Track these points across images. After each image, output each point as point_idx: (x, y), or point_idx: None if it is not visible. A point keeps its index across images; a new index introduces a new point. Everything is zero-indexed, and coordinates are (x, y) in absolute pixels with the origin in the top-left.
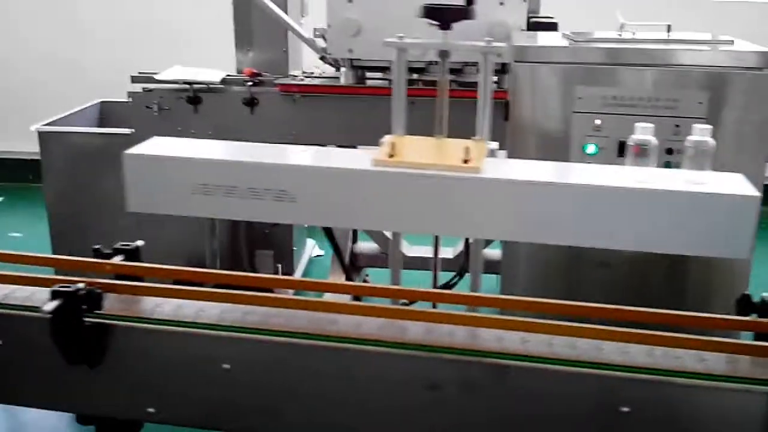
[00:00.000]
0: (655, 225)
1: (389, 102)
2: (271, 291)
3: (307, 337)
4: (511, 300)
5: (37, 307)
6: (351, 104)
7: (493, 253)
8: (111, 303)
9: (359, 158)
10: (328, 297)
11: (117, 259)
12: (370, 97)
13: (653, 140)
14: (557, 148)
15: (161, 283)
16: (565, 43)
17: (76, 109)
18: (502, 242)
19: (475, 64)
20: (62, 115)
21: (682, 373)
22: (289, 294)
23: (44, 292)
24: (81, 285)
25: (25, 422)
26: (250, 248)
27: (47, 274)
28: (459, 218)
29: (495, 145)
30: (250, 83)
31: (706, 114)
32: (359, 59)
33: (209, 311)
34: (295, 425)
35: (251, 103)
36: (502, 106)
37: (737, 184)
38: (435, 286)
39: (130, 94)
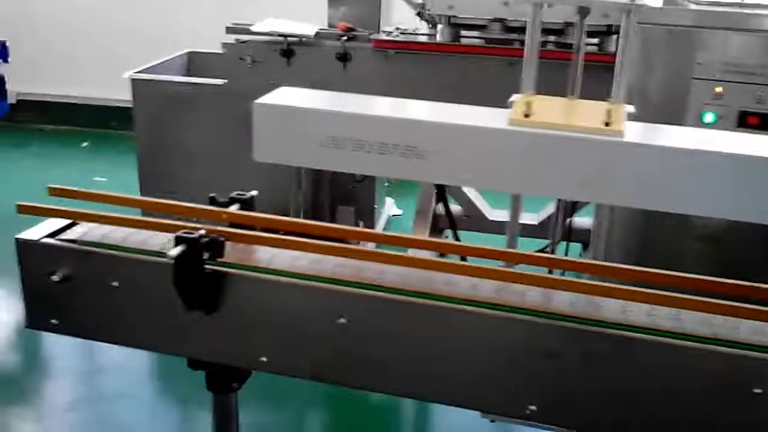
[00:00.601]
0: None
1: (485, 61)
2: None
3: (425, 297)
4: (618, 268)
5: (160, 252)
6: (446, 62)
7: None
8: (228, 252)
9: (492, 116)
10: (427, 255)
11: (233, 208)
12: (466, 56)
13: None
14: (671, 116)
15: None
16: (686, 5)
17: (164, 59)
18: (597, 209)
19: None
20: (151, 64)
21: None
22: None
23: (159, 236)
24: (202, 232)
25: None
26: (332, 203)
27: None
28: (599, 183)
29: (631, 108)
30: (345, 38)
31: None
32: (457, 16)
33: (323, 264)
34: (404, 384)
35: (344, 58)
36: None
37: None
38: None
39: (224, 44)
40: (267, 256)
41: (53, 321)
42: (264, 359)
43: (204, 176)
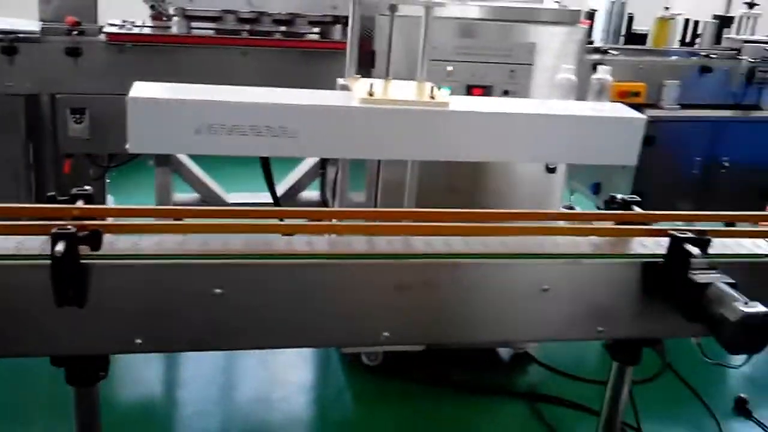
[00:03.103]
0: (575, 142)
1: (220, 51)
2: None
3: (285, 258)
4: (402, 212)
5: (33, 255)
6: (182, 53)
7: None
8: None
9: (342, 97)
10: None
11: (80, 203)
12: (202, 46)
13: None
14: None
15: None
16: None
17: None
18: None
19: (303, 16)
20: None
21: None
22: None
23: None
24: (72, 228)
25: None
26: None
27: None
28: (432, 144)
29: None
30: (75, 32)
31: (533, 61)
32: (194, 9)
33: (189, 243)
34: (279, 337)
35: (75, 53)
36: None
37: (625, 111)
38: None
39: None
40: (131, 242)
41: None
42: (139, 341)
43: None
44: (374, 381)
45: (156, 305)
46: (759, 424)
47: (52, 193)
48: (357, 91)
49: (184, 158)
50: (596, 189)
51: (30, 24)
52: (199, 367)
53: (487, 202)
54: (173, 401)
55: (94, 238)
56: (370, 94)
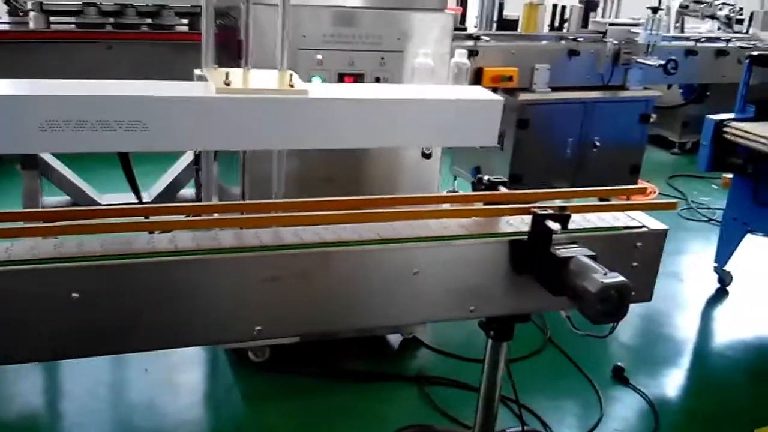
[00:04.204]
0: (436, 125)
1: (84, 46)
2: None
3: (138, 257)
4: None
5: None
6: (43, 50)
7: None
8: None
9: (198, 88)
10: None
11: None
12: (65, 42)
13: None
14: None
15: None
16: None
17: None
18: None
19: (170, 8)
20: None
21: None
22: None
23: None
24: None
25: None
26: None
27: None
28: (292, 133)
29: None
30: None
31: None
32: (51, 3)
33: (42, 246)
34: (152, 339)
35: None
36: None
37: (484, 93)
38: None
39: None
40: None
41: None
42: None
43: None
44: (263, 377)
45: (11, 314)
46: (636, 390)
47: None
48: (213, 80)
49: (52, 160)
50: (477, 172)
51: None
52: (80, 376)
53: (367, 191)
54: (54, 413)
55: None
56: (227, 84)
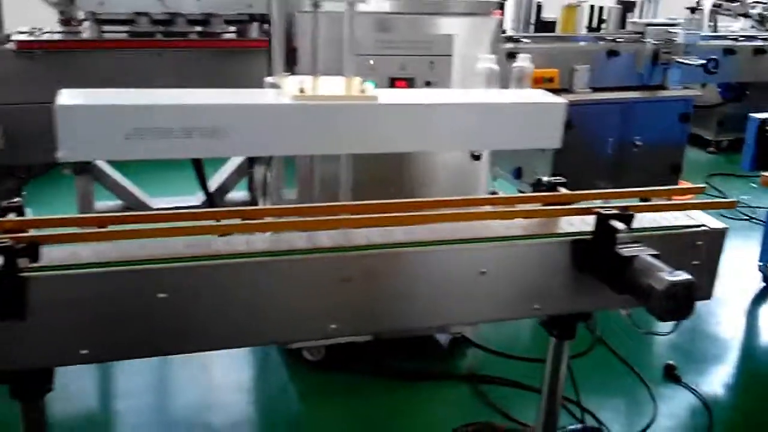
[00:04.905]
0: (502, 128)
1: (136, 54)
2: None
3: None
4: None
5: None
6: (96, 58)
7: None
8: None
9: (272, 95)
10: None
11: (12, 216)
12: (117, 50)
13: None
14: None
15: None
16: None
17: None
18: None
19: (219, 16)
20: None
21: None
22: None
23: None
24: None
25: None
26: None
27: None
28: (365, 138)
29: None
30: None
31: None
32: (104, 13)
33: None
34: (228, 338)
35: None
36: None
37: (546, 96)
38: None
39: None
40: (67, 252)
41: None
42: (84, 352)
43: None
44: (317, 376)
45: (100, 314)
46: (688, 388)
47: None
48: (288, 88)
49: (104, 165)
50: (518, 173)
51: None
52: (139, 375)
53: (415, 193)
54: (114, 413)
55: (32, 250)
56: (301, 91)
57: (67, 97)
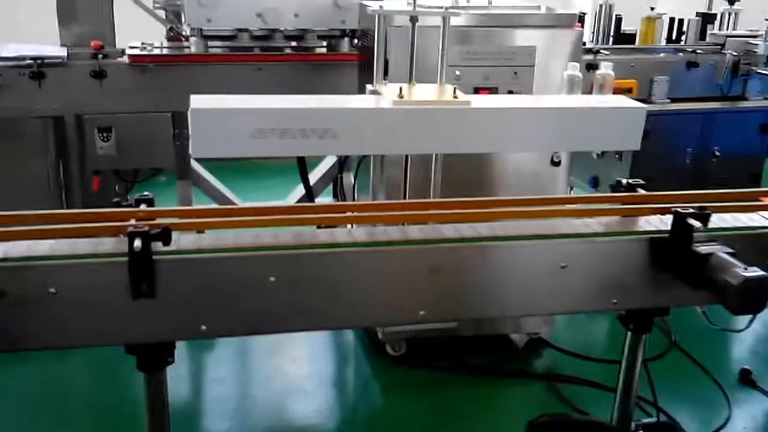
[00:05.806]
0: (586, 131)
1: (237, 68)
2: None
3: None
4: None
5: (111, 254)
6: (200, 71)
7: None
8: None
9: (375, 100)
10: None
11: (143, 207)
12: (221, 64)
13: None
14: None
15: None
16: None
17: None
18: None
19: (313, 31)
20: None
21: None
22: None
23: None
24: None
25: None
26: None
27: None
28: (459, 139)
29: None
30: (101, 56)
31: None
32: (210, 29)
33: (243, 237)
34: (327, 320)
35: (100, 75)
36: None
37: (627, 101)
38: None
39: None
40: (191, 239)
41: None
42: (204, 328)
43: None
44: (399, 370)
45: (218, 294)
46: (764, 393)
47: (117, 199)
48: (388, 94)
49: (203, 171)
50: (594, 183)
51: (55, 49)
52: (227, 364)
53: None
54: (204, 400)
55: (165, 235)
56: (401, 97)
57: (198, 101)
